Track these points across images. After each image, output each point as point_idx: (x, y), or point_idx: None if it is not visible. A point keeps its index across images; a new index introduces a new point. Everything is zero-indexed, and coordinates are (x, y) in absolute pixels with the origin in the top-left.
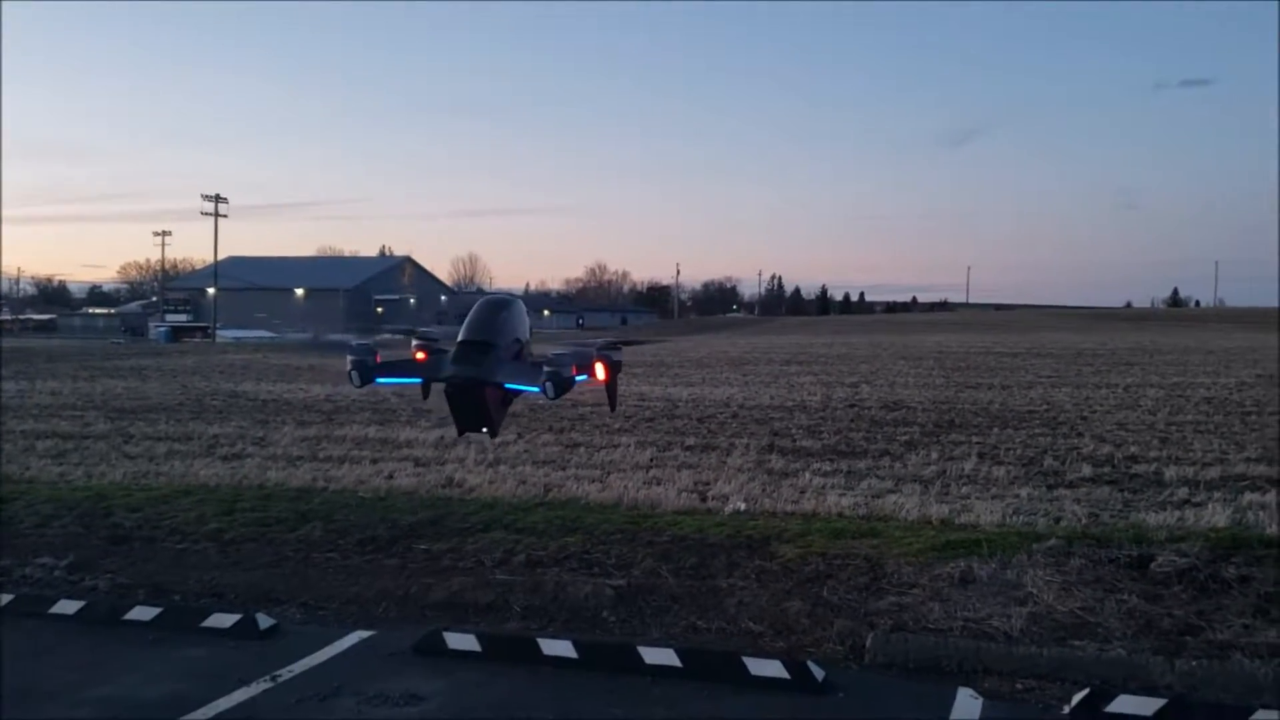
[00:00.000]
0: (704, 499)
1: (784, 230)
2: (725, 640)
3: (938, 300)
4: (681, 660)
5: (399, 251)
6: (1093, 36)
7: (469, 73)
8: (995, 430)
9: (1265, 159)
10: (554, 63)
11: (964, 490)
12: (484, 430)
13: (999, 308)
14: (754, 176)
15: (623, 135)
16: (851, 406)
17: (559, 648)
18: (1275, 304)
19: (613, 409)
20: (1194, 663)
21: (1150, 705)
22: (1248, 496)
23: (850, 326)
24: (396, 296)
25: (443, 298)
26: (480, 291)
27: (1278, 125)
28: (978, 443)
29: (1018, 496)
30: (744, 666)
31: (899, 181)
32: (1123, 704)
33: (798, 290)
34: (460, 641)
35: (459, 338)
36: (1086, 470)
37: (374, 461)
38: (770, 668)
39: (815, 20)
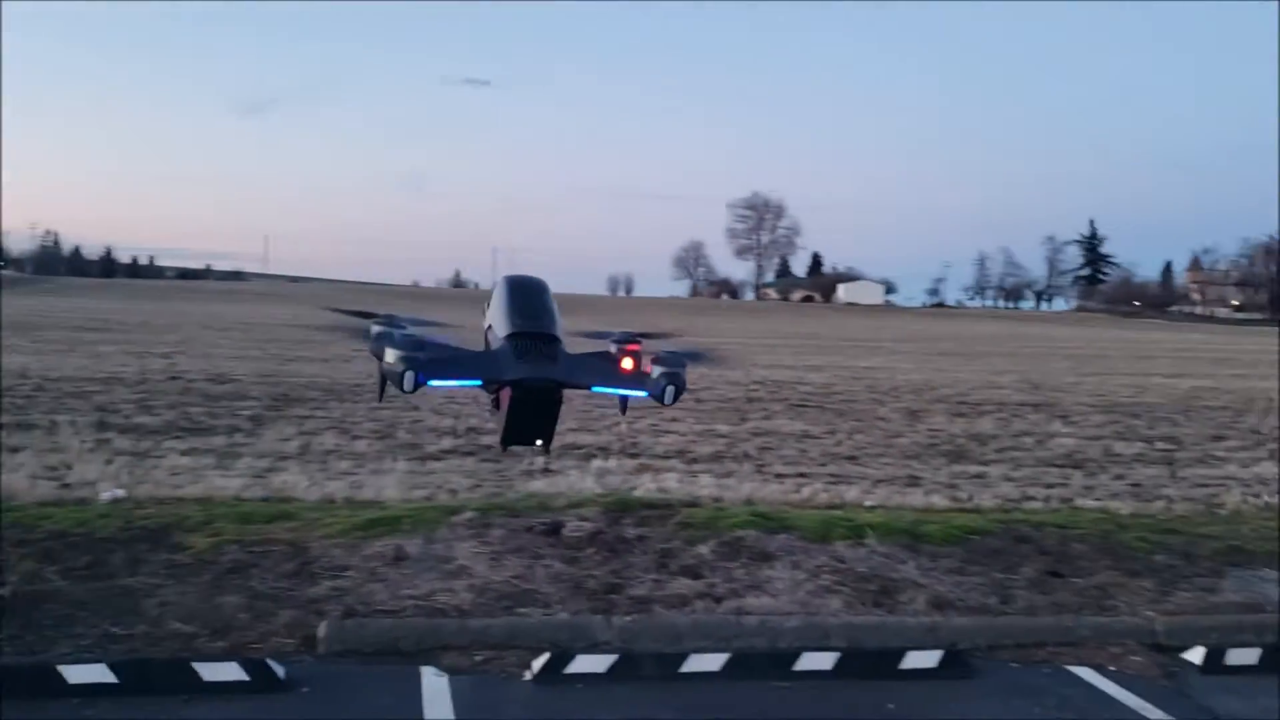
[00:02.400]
0: (66, 486)
1: (61, 180)
2: (155, 647)
3: (233, 269)
4: (118, 676)
5: None
6: (382, 31)
7: None
8: (334, 404)
9: (550, 155)
10: None
11: (343, 465)
12: (539, 443)
13: (295, 279)
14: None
15: None
16: (174, 379)
17: None
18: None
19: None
20: (627, 618)
21: (604, 662)
22: (595, 463)
23: (143, 292)
24: None
25: None
26: None
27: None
28: (323, 416)
29: (395, 470)
30: (195, 673)
31: (196, 143)
32: (580, 664)
33: (78, 250)
34: None
35: (509, 329)
36: (446, 443)
37: None
38: (226, 670)
39: None
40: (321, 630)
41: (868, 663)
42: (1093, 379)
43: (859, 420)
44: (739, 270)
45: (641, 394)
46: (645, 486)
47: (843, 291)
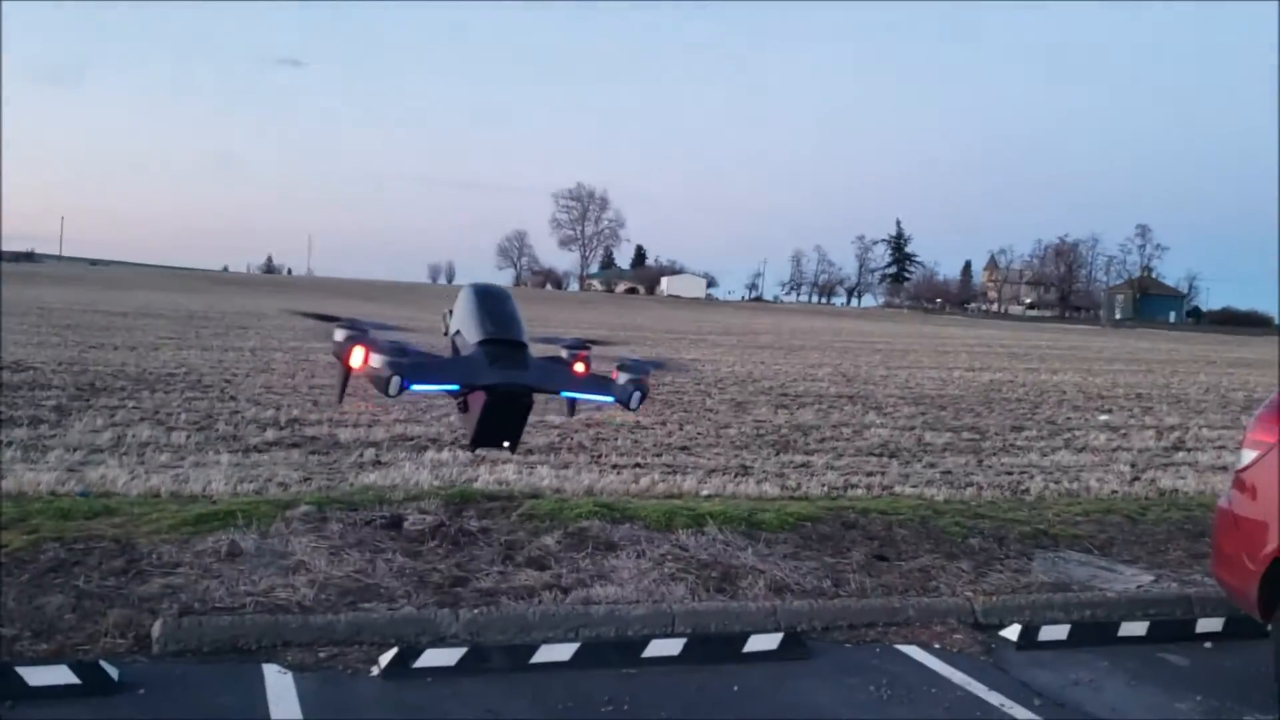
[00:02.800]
0: None
1: None
2: None
3: (25, 250)
4: None
5: None
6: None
7: None
8: (145, 394)
9: (367, 141)
10: None
11: (163, 458)
12: (505, 445)
13: (94, 263)
14: None
15: None
16: None
17: None
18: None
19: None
20: (474, 611)
21: (453, 656)
22: (429, 454)
23: None
24: None
25: None
26: None
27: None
28: (134, 407)
29: (219, 463)
30: (20, 678)
31: None
32: (429, 658)
33: None
34: None
35: (480, 335)
36: (270, 435)
37: None
38: (55, 674)
39: None
40: (156, 629)
41: (713, 647)
42: (902, 372)
43: (687, 411)
44: (563, 261)
45: (609, 399)
46: (483, 478)
47: (666, 284)
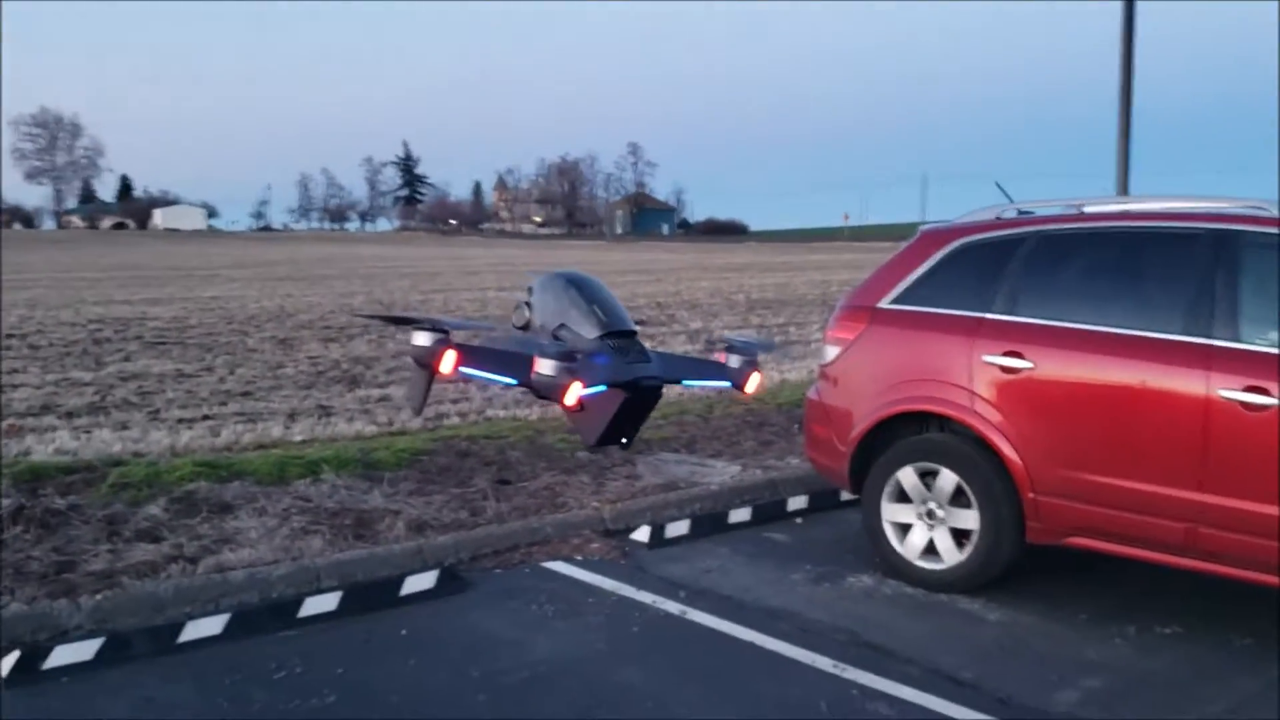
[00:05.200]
0: None
1: None
2: None
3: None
4: None
5: None
6: None
7: None
8: None
9: None
10: None
11: None
12: (623, 442)
13: None
14: None
15: None
16: None
17: None
18: None
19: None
20: (97, 597)
21: (88, 649)
22: None
23: None
24: None
25: None
26: None
27: None
28: None
29: None
30: None
31: None
32: (60, 656)
33: None
34: None
35: (597, 330)
36: None
37: None
38: None
39: None
40: None
41: (369, 595)
42: (437, 296)
43: (231, 354)
44: (33, 196)
45: (725, 384)
46: (39, 450)
47: (160, 217)
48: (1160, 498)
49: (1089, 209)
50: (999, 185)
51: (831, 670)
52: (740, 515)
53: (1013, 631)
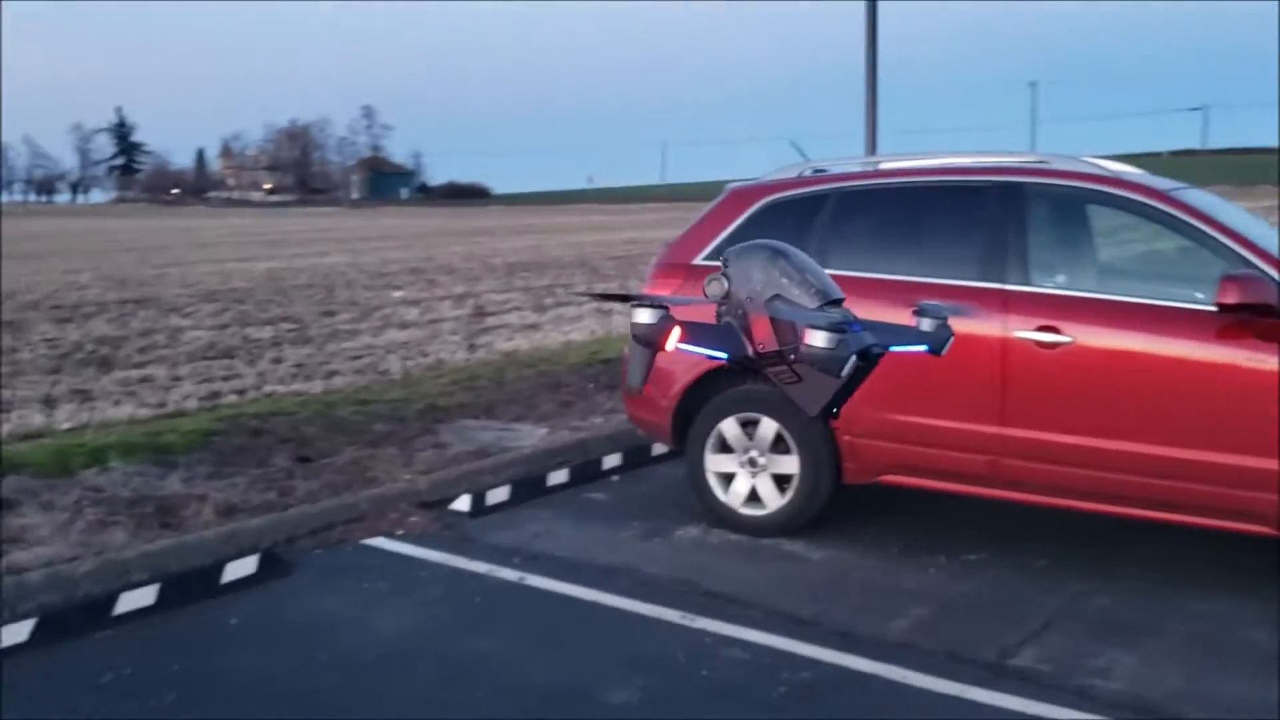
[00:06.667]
0: None
1: None
2: None
3: None
4: None
5: None
6: None
7: None
8: None
9: None
10: None
11: None
12: (834, 412)
13: None
14: None
15: None
16: None
17: None
18: None
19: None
20: None
21: None
22: None
23: None
24: None
25: None
26: None
27: None
28: None
29: None
30: None
31: None
32: None
33: None
34: None
35: (822, 298)
36: None
37: None
38: None
39: None
40: None
41: (189, 586)
42: (173, 270)
43: None
44: None
45: (923, 347)
46: None
47: None
48: (966, 433)
49: (885, 165)
50: (795, 145)
51: (680, 622)
52: (558, 477)
53: (837, 569)
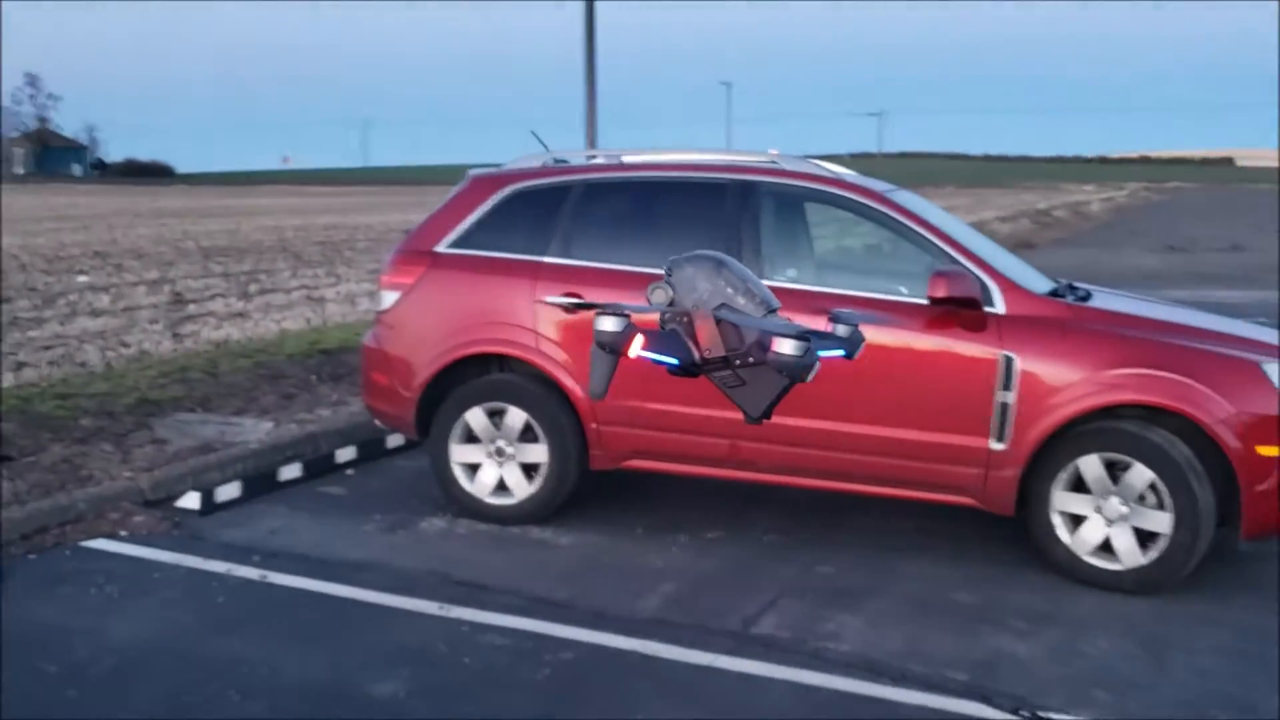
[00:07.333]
0: None
1: None
2: None
3: None
4: None
5: None
6: None
7: None
8: None
9: None
10: None
11: None
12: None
13: None
14: None
15: None
16: None
17: None
18: None
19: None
20: None
21: None
22: None
23: None
24: None
25: None
26: None
27: None
28: None
29: None
30: None
31: None
32: None
33: None
34: None
35: (766, 306)
36: None
37: None
38: None
39: None
40: None
41: None
42: None
43: None
44: None
45: (840, 352)
46: None
47: None
48: (706, 419)
49: (627, 159)
50: (535, 134)
51: (437, 612)
52: (291, 472)
53: (585, 552)
